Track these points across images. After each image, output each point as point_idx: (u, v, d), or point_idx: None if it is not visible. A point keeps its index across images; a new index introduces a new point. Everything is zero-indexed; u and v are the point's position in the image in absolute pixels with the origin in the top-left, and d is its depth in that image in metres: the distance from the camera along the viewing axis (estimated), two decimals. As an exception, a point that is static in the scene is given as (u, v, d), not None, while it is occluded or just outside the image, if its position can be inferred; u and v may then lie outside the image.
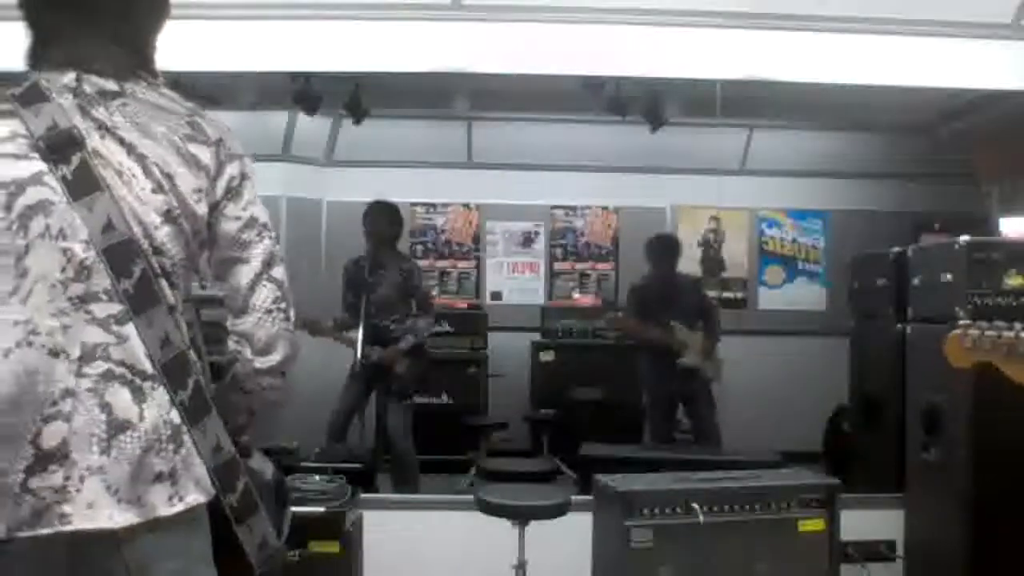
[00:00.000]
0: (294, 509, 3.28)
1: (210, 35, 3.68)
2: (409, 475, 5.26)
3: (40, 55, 1.59)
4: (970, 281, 3.72)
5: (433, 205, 7.58)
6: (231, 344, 1.60)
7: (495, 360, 6.98)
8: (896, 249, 4.68)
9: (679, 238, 6.29)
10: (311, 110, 6.07)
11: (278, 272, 1.63)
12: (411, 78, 4.72)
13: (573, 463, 5.41)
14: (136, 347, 1.46)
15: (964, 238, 3.82)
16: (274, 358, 1.61)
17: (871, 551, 4.01)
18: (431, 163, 7.33)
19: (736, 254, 7.62)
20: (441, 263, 7.59)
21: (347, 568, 3.36)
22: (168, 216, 1.52)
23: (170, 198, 1.52)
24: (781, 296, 7.62)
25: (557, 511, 3.38)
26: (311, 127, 6.77)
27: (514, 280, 7.66)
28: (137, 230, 1.49)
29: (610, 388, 6.68)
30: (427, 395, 6.40)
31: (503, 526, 3.38)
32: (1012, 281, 3.69)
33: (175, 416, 1.47)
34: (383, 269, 5.27)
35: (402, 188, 6.79)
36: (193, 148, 1.56)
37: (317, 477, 3.57)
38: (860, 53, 4.00)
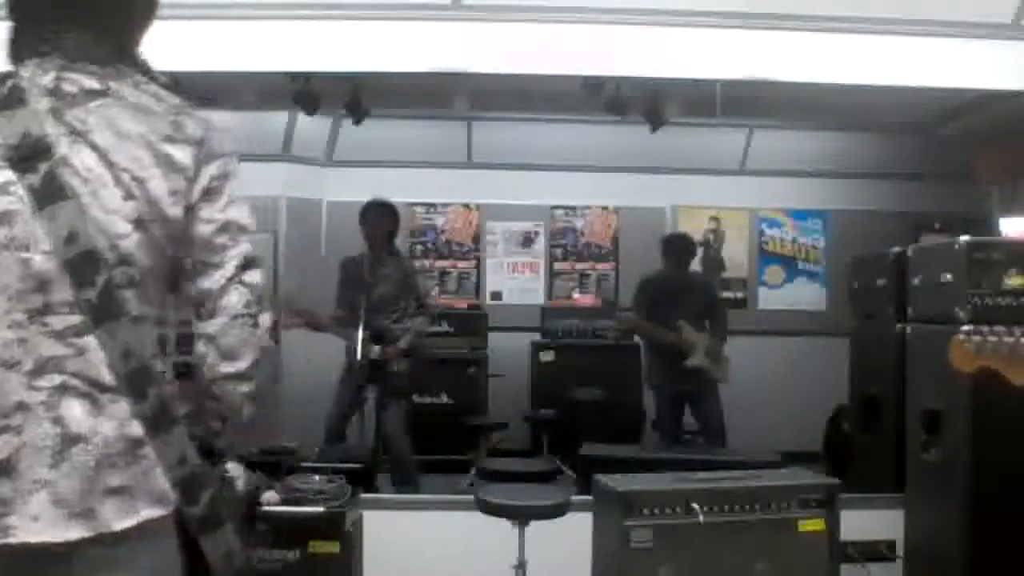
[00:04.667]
0: (294, 509, 3.33)
1: (210, 35, 3.68)
2: (408, 475, 5.25)
3: (24, 46, 1.54)
4: (970, 281, 3.71)
5: (433, 205, 7.58)
6: (199, 347, 1.55)
7: (495, 360, 6.97)
8: (896, 249, 4.67)
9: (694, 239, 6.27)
10: (311, 110, 6.06)
11: (251, 276, 1.56)
12: (411, 78, 4.72)
13: (573, 463, 5.41)
14: (95, 359, 1.44)
15: (964, 238, 3.82)
16: (240, 364, 1.55)
17: (871, 551, 4.01)
18: (431, 163, 7.33)
19: (736, 254, 7.62)
20: (441, 263, 7.59)
21: (347, 568, 3.36)
22: (138, 223, 1.47)
23: (140, 203, 1.47)
24: (781, 296, 7.62)
25: (557, 511, 3.39)
26: (311, 127, 6.76)
27: (514, 280, 7.65)
28: (102, 241, 1.44)
29: (610, 388, 6.67)
30: (427, 395, 6.40)
31: (503, 526, 3.38)
32: (1012, 281, 3.68)
33: (135, 429, 1.44)
34: (383, 268, 5.27)
35: (402, 188, 6.78)
36: (171, 148, 1.50)
37: (317, 477, 3.57)
38: (860, 53, 4.01)
